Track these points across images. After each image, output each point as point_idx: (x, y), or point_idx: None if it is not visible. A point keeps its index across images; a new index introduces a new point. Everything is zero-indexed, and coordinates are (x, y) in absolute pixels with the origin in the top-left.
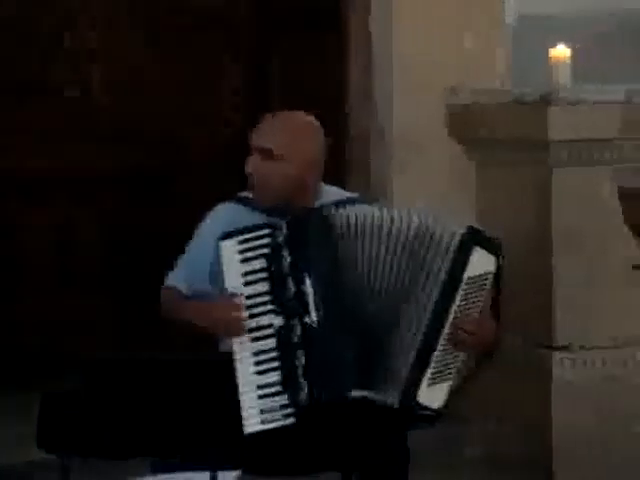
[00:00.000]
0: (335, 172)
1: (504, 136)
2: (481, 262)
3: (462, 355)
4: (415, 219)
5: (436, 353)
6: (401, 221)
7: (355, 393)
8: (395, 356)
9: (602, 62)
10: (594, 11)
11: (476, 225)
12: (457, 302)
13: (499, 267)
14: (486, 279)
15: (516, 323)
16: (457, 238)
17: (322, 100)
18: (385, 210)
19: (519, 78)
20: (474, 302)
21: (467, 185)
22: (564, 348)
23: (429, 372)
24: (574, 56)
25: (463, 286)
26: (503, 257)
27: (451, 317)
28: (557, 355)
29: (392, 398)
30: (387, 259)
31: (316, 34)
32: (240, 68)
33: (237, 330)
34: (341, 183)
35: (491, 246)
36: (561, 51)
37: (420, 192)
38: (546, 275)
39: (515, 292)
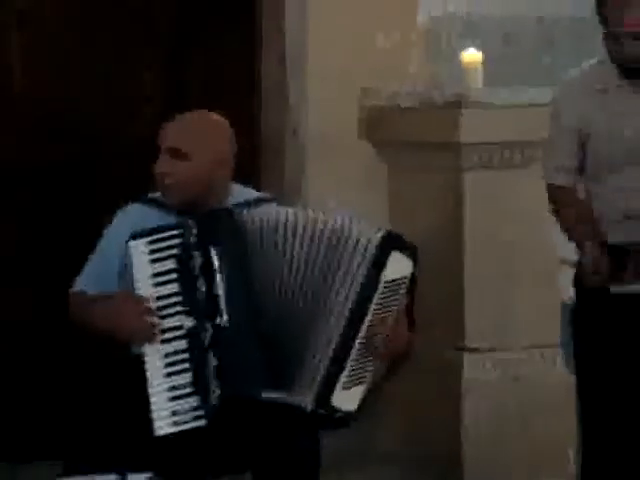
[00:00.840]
0: (247, 173)
1: (416, 139)
2: (398, 267)
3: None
4: (331, 221)
5: (351, 357)
6: (316, 222)
7: (267, 395)
8: (310, 358)
9: (512, 64)
10: (508, 13)
11: (393, 230)
12: (373, 306)
13: (414, 273)
14: (402, 284)
15: (428, 324)
16: (375, 242)
17: (234, 97)
18: (300, 210)
19: (432, 80)
20: (390, 307)
21: (380, 188)
22: (474, 350)
23: (344, 375)
24: (485, 58)
25: (380, 290)
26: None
27: (367, 321)
28: (467, 356)
29: (306, 400)
30: (301, 260)
31: (229, 28)
32: (160, 61)
33: (147, 337)
34: (253, 184)
35: (408, 251)
36: (473, 55)
37: (333, 194)
38: (458, 278)
39: (427, 294)
